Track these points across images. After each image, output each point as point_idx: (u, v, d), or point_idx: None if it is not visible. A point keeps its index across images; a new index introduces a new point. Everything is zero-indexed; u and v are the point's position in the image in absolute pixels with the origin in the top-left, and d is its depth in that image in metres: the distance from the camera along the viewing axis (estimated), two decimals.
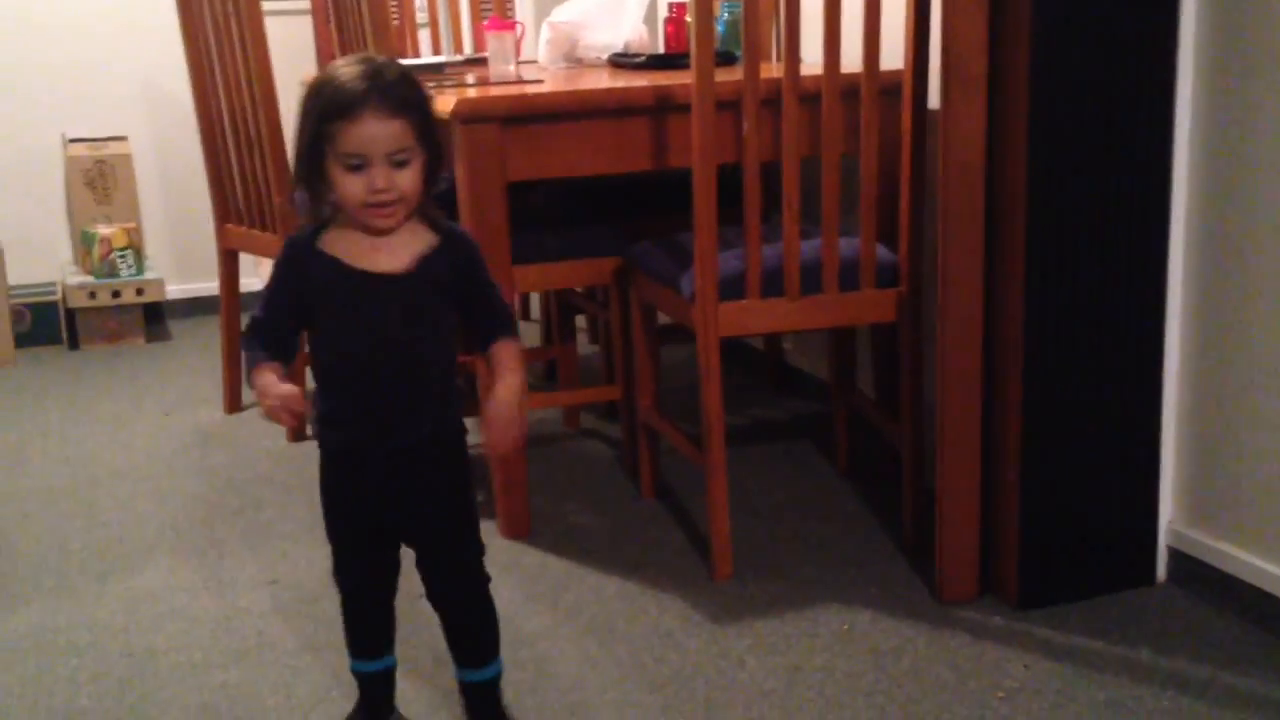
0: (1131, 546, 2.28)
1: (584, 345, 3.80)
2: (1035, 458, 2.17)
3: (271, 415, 1.67)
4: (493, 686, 1.86)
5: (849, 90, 2.32)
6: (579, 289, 3.27)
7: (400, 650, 1.93)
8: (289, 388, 1.63)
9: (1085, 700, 1.95)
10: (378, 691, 1.90)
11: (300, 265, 1.67)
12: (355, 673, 1.89)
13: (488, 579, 1.82)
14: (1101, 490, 2.23)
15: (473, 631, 1.84)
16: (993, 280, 2.16)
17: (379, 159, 1.58)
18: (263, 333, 1.68)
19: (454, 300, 1.71)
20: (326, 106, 1.57)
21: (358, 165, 1.58)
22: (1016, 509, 2.19)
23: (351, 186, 1.59)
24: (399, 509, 1.75)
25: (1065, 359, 2.15)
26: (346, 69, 1.59)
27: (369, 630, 1.86)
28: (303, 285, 1.67)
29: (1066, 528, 2.22)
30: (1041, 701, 1.95)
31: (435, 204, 1.70)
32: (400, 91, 1.58)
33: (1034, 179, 2.07)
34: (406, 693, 2.00)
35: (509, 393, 1.71)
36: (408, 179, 1.60)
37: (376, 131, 1.56)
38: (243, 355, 1.69)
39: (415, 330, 1.67)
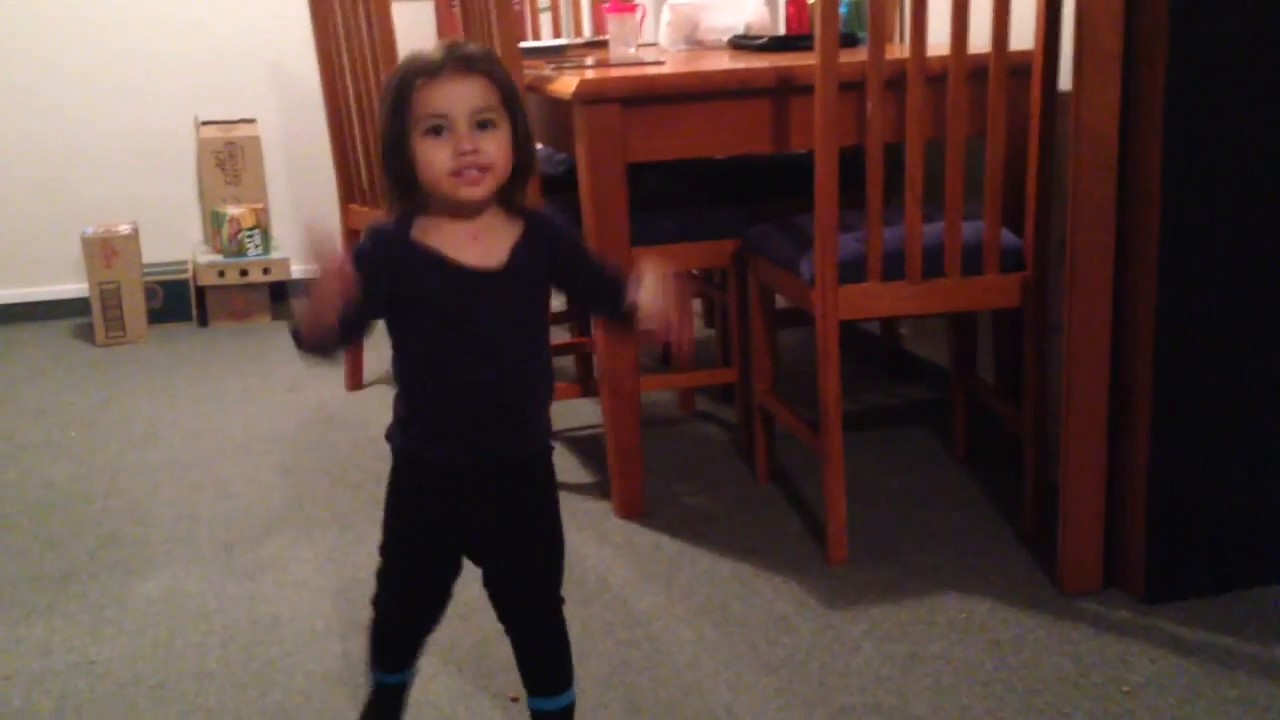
0: (1265, 540, 2.21)
1: (699, 328, 3.80)
2: (1165, 446, 2.12)
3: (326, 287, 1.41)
4: (566, 717, 1.72)
5: (976, 71, 2.29)
6: (696, 271, 3.27)
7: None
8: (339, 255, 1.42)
9: (1214, 697, 1.90)
10: (391, 702, 1.78)
11: (391, 258, 1.50)
12: (374, 679, 1.76)
13: (562, 602, 1.69)
14: (1234, 481, 2.17)
15: (547, 658, 1.70)
16: (1123, 265, 2.11)
17: (462, 119, 1.45)
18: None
19: (561, 286, 1.59)
20: (407, 74, 1.48)
21: (439, 128, 1.46)
22: (1144, 499, 2.13)
23: (435, 153, 1.46)
24: (488, 530, 1.61)
25: (1198, 345, 2.09)
26: (429, 48, 1.50)
27: (403, 647, 1.74)
28: (396, 280, 1.50)
29: (1196, 520, 2.17)
30: (1168, 698, 1.90)
31: (519, 190, 1.55)
32: (481, 57, 1.48)
33: (1169, 162, 2.01)
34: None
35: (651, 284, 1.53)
36: (494, 144, 1.47)
37: (458, 88, 1.45)
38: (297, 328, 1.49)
39: (523, 333, 1.54)
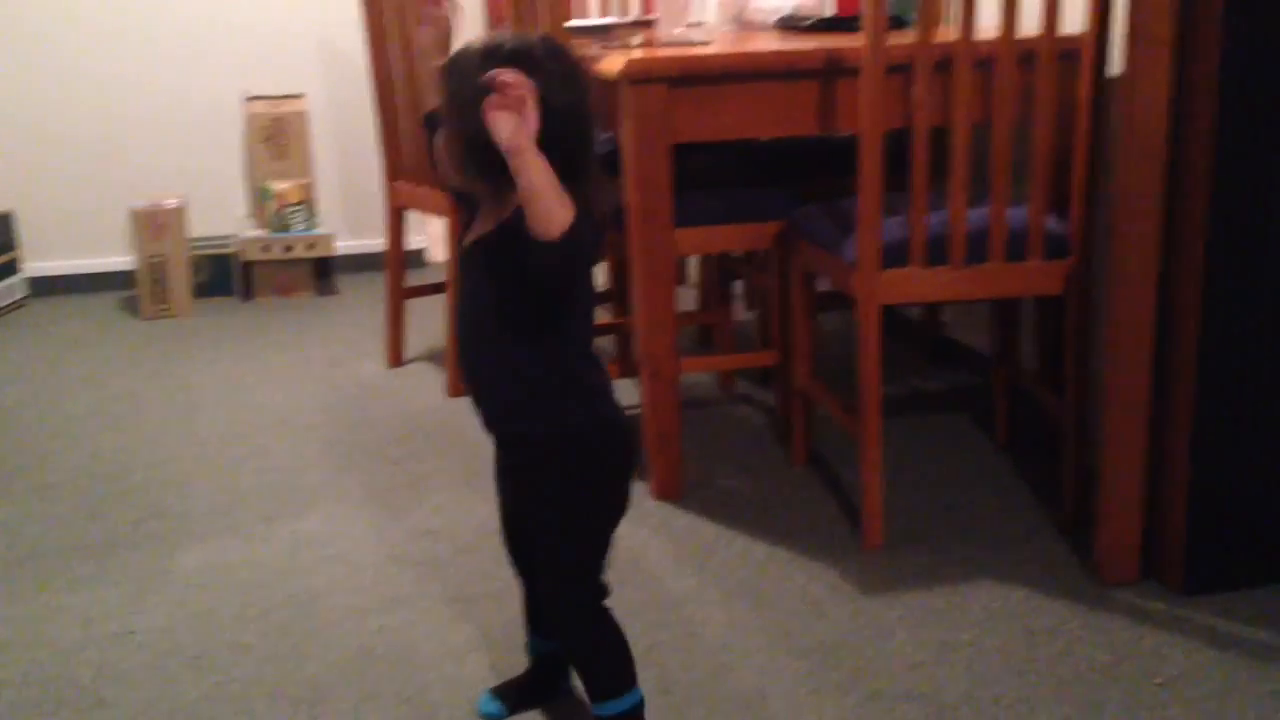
0: None
1: (741, 311, 3.79)
2: (1206, 437, 2.09)
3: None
4: None
5: (1025, 55, 2.26)
6: (737, 254, 3.26)
7: None
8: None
9: (1249, 691, 1.88)
10: (537, 669, 1.89)
11: None
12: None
13: (586, 616, 1.66)
14: (1276, 474, 2.14)
15: (573, 659, 1.76)
16: (1168, 254, 2.08)
17: None
18: None
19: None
20: None
21: None
22: (1184, 490, 2.11)
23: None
24: (510, 503, 1.75)
25: (1244, 336, 2.07)
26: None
27: (526, 602, 1.85)
28: None
29: (1237, 512, 2.14)
30: (1202, 690, 1.89)
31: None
32: (511, 50, 1.49)
33: (1219, 149, 1.98)
34: None
35: None
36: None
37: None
38: None
39: (480, 311, 1.59)
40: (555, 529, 1.64)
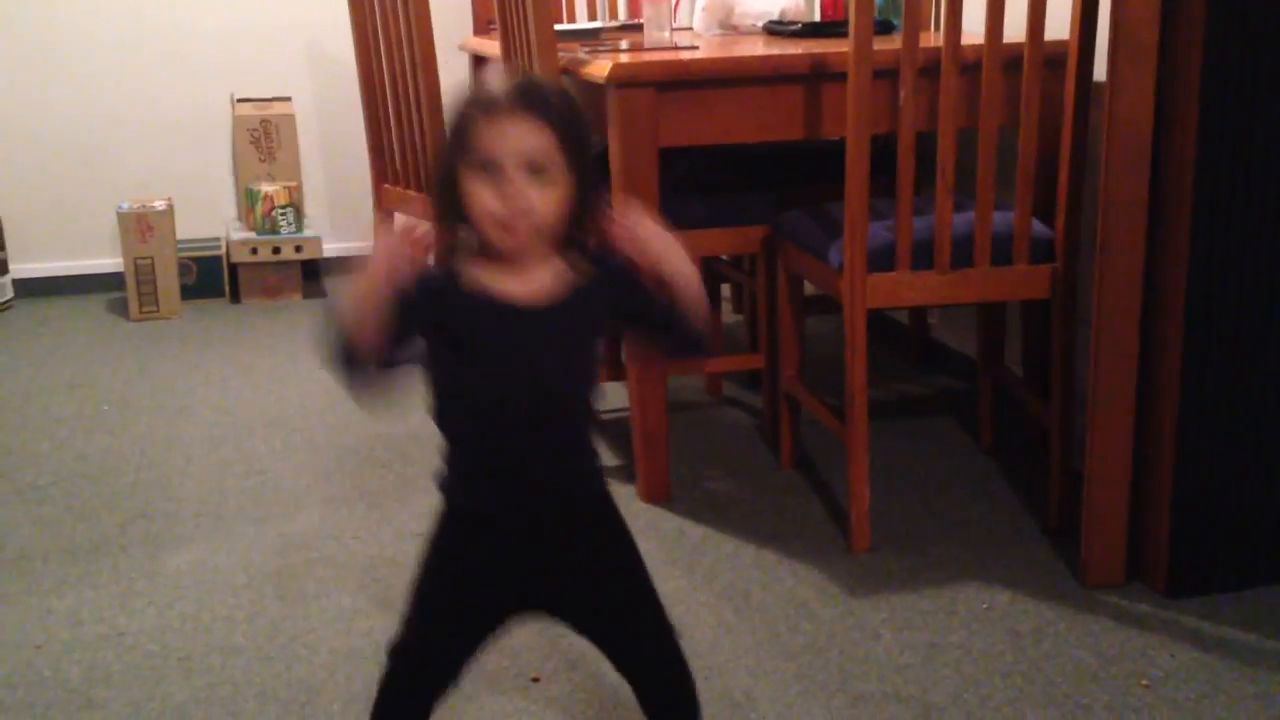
0: None
1: (728, 314, 3.80)
2: (1191, 441, 2.11)
3: (386, 262, 1.35)
4: None
5: (1010, 60, 2.28)
6: (725, 257, 3.28)
7: None
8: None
9: (1233, 693, 1.90)
10: None
11: (439, 300, 1.42)
12: None
13: (677, 633, 1.56)
14: (1260, 477, 2.16)
15: (679, 698, 1.57)
16: (1154, 258, 2.10)
17: (513, 164, 1.36)
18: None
19: (626, 320, 1.50)
20: (469, 106, 1.41)
21: (488, 167, 1.37)
22: (1169, 493, 2.13)
23: (481, 194, 1.38)
24: (558, 585, 1.50)
25: (1227, 341, 2.08)
26: (497, 81, 1.42)
27: (404, 716, 1.57)
28: (443, 314, 1.43)
29: (1221, 515, 2.16)
30: (1187, 692, 1.90)
31: (583, 248, 1.46)
32: (553, 102, 1.39)
33: (1203, 155, 2.00)
34: None
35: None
36: (544, 199, 1.38)
37: (514, 131, 1.37)
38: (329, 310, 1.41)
39: (569, 369, 1.46)
40: (642, 579, 1.54)
